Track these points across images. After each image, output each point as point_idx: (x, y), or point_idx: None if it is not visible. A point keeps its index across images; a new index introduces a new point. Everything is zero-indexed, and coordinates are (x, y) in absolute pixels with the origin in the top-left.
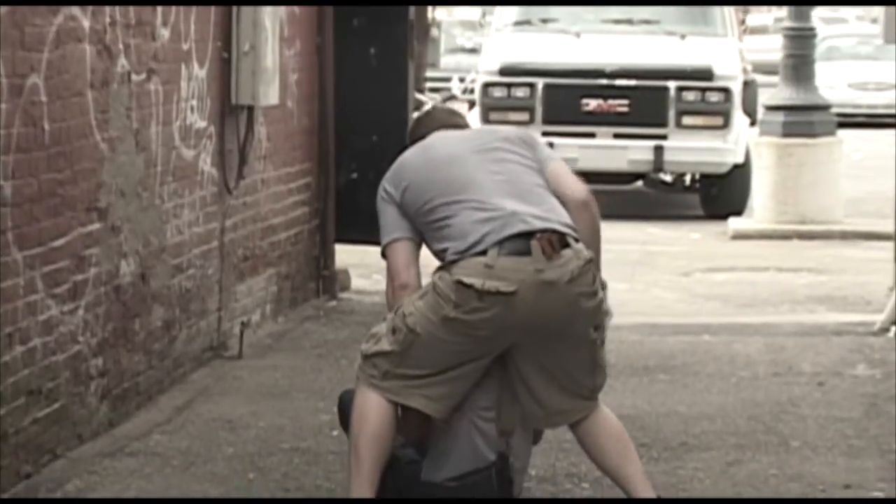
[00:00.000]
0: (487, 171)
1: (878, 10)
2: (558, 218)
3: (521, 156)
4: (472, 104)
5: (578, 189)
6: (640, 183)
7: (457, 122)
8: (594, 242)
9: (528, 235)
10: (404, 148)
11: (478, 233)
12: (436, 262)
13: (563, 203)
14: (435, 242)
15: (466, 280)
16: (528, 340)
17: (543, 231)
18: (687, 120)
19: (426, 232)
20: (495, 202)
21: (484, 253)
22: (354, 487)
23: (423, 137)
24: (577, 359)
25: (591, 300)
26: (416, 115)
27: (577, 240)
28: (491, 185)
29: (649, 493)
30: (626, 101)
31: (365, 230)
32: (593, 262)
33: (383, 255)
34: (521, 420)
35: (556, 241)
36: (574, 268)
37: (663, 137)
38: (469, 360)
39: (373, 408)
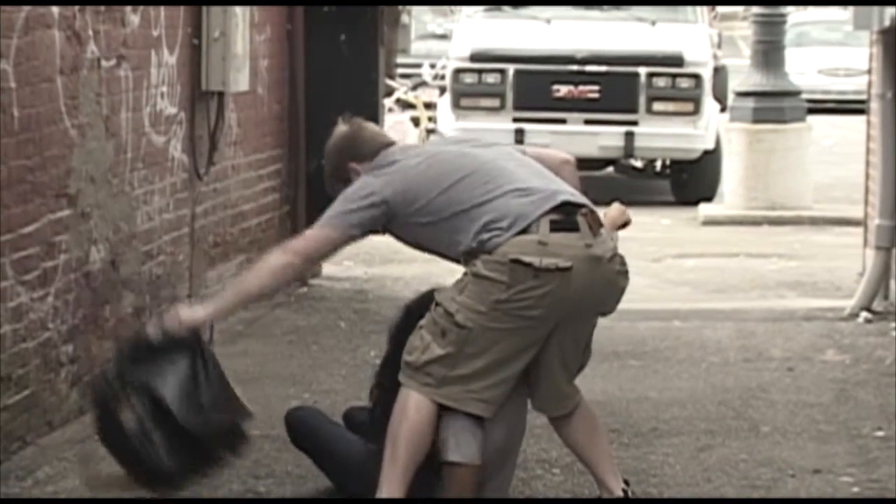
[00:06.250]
0: (507, 160)
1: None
2: (585, 198)
3: (511, 150)
4: (442, 90)
5: (558, 152)
6: (610, 169)
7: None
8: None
9: (571, 210)
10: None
11: (519, 209)
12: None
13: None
14: (455, 233)
15: (525, 259)
16: (568, 319)
17: (584, 206)
18: (657, 106)
19: (437, 226)
20: (532, 183)
21: (531, 228)
22: (386, 483)
23: (371, 155)
24: (585, 337)
25: (625, 279)
26: (343, 134)
27: None
28: (516, 170)
29: (616, 478)
30: (596, 87)
31: None
32: None
33: (314, 227)
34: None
35: (596, 218)
36: (612, 246)
37: (634, 123)
38: (521, 350)
39: (414, 402)
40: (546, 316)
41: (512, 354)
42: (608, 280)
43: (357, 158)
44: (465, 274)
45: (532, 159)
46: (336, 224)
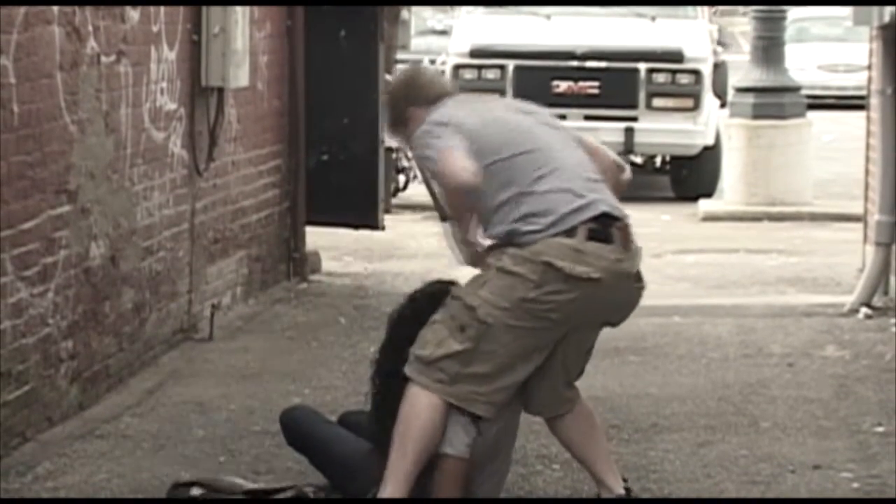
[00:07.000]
0: (563, 150)
1: None
2: (623, 210)
3: (571, 137)
4: None
5: (612, 154)
6: None
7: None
8: None
9: (608, 222)
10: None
11: (562, 210)
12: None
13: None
14: (497, 207)
15: (558, 263)
16: (579, 327)
17: (621, 219)
18: (657, 102)
19: (483, 192)
20: (580, 185)
21: (569, 233)
22: (391, 480)
23: (431, 101)
24: (589, 344)
25: (641, 295)
26: (401, 79)
27: None
28: (571, 166)
29: (615, 476)
30: (596, 83)
31: (335, 212)
32: None
33: (436, 171)
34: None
35: (629, 232)
36: (638, 262)
37: (634, 119)
38: (533, 352)
39: (426, 401)
40: (564, 321)
41: (525, 355)
42: (629, 295)
43: (416, 103)
44: (488, 270)
45: (587, 154)
46: (445, 145)
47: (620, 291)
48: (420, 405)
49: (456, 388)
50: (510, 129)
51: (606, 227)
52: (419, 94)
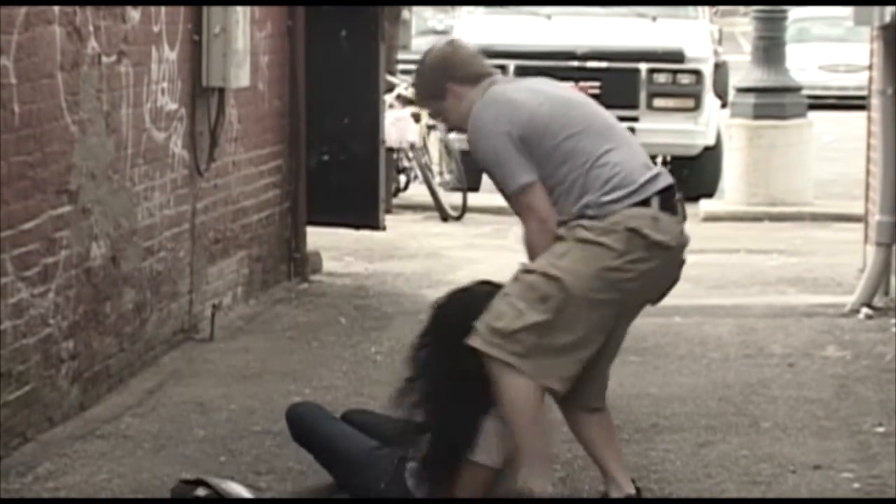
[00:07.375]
0: (620, 129)
1: None
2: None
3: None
4: None
5: None
6: None
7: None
8: None
9: (672, 194)
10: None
11: (638, 180)
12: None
13: None
14: (575, 183)
15: (643, 230)
16: (636, 303)
17: (679, 194)
18: (658, 102)
19: (545, 168)
20: (643, 158)
21: (644, 203)
22: (539, 464)
23: (471, 79)
24: (628, 325)
25: (681, 272)
26: (439, 53)
27: None
28: (631, 141)
29: (626, 476)
30: (597, 83)
31: (336, 212)
32: None
33: (515, 197)
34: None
35: (685, 207)
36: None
37: (634, 119)
38: (603, 326)
39: (527, 395)
40: (636, 292)
41: (597, 329)
42: (678, 270)
43: (455, 79)
44: (562, 243)
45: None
46: (522, 182)
47: (676, 265)
48: (523, 401)
49: (530, 362)
50: (569, 105)
51: (672, 199)
52: (458, 70)
